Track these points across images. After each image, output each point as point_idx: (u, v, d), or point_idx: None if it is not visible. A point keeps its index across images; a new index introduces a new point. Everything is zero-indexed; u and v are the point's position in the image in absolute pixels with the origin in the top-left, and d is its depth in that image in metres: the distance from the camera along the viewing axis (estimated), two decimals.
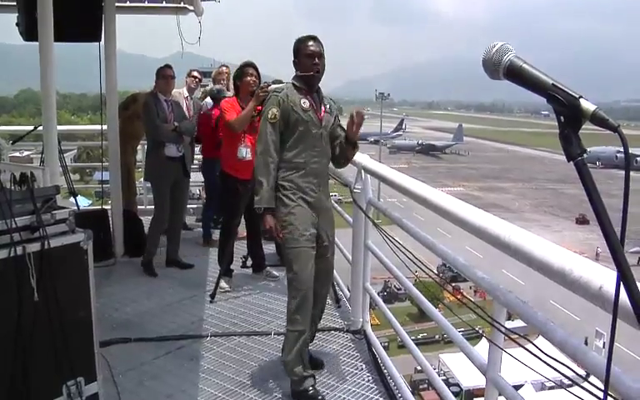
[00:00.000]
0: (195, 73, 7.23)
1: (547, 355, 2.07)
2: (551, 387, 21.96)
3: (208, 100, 7.13)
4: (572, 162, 1.00)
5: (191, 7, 7.04)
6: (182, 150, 5.96)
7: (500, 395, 2.37)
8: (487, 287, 2.42)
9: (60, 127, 6.21)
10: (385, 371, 3.83)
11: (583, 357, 1.79)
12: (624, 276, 0.94)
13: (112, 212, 6.36)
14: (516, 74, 1.08)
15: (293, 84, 3.55)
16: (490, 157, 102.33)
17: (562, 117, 1.03)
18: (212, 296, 5.13)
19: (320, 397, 3.44)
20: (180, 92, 7.16)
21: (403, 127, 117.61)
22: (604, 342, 29.74)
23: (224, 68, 7.35)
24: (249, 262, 5.90)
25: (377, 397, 3.57)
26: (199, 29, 7.09)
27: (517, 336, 2.21)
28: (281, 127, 3.47)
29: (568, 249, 2.07)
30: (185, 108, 7.09)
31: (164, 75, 5.89)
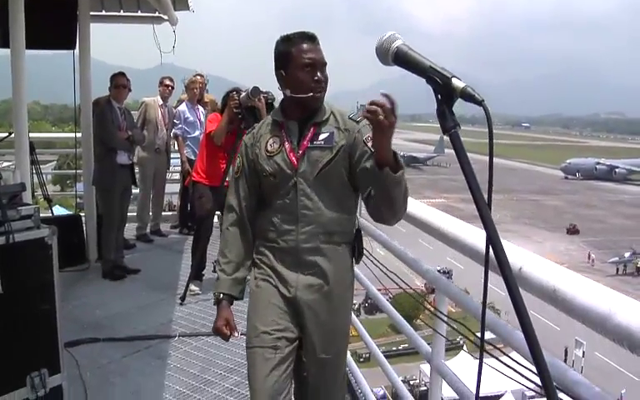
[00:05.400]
0: (167, 82, 7.35)
1: (491, 344, 2.21)
2: (531, 397, 22.14)
3: (181, 108, 7.24)
4: (446, 135, 1.15)
5: (165, 17, 7.15)
6: (132, 158, 6.12)
7: (443, 381, 2.51)
8: (430, 278, 2.56)
9: (33, 135, 6.28)
10: (352, 379, 3.92)
11: (509, 336, 1.93)
12: (490, 235, 1.08)
13: (85, 218, 6.42)
14: (402, 59, 1.25)
15: (274, 119, 2.33)
16: None
17: (439, 96, 1.19)
18: (183, 298, 5.22)
19: None
20: (154, 100, 7.28)
21: None
22: (583, 352, 30.57)
23: (198, 77, 7.45)
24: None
25: None
26: (174, 38, 7.21)
27: (459, 326, 2.36)
28: (253, 178, 2.35)
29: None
30: (160, 116, 7.21)
31: (117, 84, 5.92)
